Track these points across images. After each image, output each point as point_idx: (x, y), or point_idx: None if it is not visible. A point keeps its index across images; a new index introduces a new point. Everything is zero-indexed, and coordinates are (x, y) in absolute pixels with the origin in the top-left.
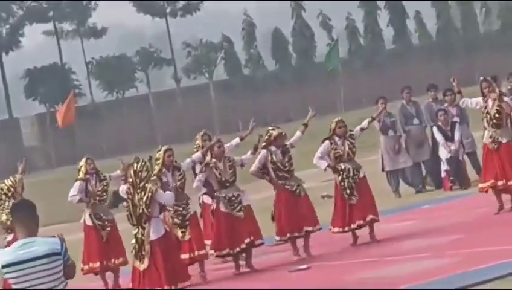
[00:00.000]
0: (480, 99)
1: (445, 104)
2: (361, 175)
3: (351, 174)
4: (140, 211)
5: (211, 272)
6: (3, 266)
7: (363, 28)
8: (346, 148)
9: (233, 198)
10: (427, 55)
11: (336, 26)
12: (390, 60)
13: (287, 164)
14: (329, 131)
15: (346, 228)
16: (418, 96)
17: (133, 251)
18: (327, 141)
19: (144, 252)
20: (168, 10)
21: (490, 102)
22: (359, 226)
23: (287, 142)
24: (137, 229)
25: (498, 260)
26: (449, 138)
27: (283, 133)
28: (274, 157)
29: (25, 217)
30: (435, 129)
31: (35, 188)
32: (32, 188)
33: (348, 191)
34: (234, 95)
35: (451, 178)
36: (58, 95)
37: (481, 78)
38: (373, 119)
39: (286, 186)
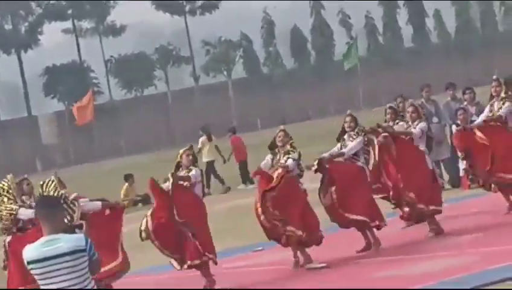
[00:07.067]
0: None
1: (465, 103)
2: None
3: None
4: None
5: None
6: (28, 263)
7: (382, 26)
8: None
9: None
10: (446, 53)
11: (355, 25)
12: (409, 59)
13: None
14: None
15: None
16: (437, 95)
17: None
18: None
19: None
20: (187, 8)
21: (496, 104)
22: None
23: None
24: None
25: None
26: None
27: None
28: None
29: (49, 214)
30: (454, 128)
31: None
32: None
33: None
34: (253, 93)
35: (471, 176)
36: (77, 93)
37: (494, 76)
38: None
39: None
